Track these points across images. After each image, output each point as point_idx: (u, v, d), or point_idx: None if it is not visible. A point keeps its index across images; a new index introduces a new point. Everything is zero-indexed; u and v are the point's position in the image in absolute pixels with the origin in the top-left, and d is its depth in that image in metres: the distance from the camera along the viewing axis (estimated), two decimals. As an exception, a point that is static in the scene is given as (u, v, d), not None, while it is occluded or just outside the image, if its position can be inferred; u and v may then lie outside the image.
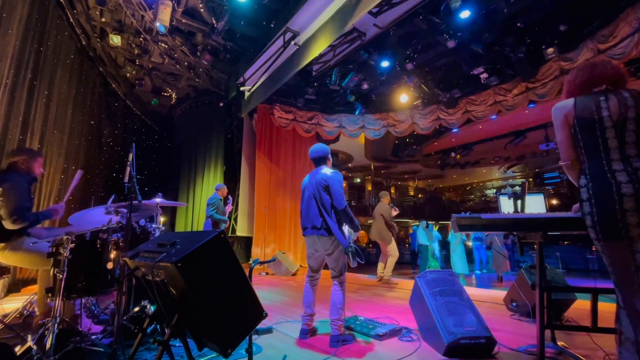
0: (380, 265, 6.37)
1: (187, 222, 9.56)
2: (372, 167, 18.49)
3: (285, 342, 2.64)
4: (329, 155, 2.91)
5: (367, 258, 6.38)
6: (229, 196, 5.56)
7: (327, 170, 2.77)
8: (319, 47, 5.86)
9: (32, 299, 3.05)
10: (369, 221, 6.54)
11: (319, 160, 2.88)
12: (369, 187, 22.63)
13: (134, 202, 2.42)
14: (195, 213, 9.42)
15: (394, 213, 6.30)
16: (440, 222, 13.22)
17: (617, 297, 1.59)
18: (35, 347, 1.90)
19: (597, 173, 1.62)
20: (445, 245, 9.86)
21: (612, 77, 1.76)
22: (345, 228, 2.66)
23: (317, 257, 2.81)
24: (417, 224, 8.11)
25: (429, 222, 9.64)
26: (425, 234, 7.69)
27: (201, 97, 9.83)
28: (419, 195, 24.80)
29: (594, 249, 11.90)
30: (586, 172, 1.67)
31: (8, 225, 2.40)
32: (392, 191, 23.77)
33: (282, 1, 6.38)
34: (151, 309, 2.34)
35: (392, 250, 6.17)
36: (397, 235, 6.26)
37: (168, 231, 3.84)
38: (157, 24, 5.87)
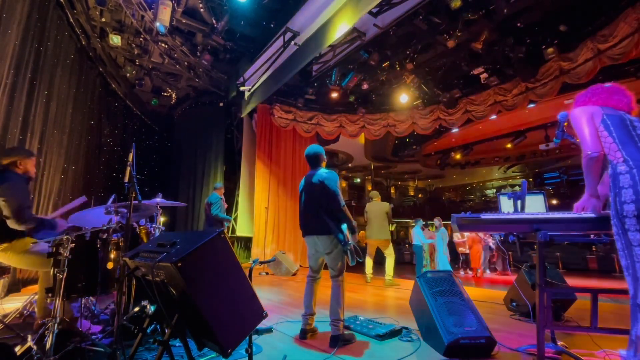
0: (368, 261, 6.25)
1: (187, 222, 9.56)
2: (372, 167, 18.48)
3: (285, 342, 2.64)
4: (324, 156, 2.94)
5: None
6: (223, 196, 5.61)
7: (322, 171, 2.81)
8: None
9: (32, 299, 3.05)
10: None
11: (314, 161, 2.92)
12: (369, 187, 22.61)
13: (134, 202, 2.41)
14: (195, 213, 9.42)
15: None
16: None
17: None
18: (35, 347, 1.90)
19: None
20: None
21: (626, 111, 1.88)
22: (344, 227, 2.67)
23: (318, 257, 2.83)
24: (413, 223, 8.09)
25: (428, 222, 9.61)
26: (422, 234, 7.69)
27: (201, 97, 9.83)
28: (419, 195, 24.79)
29: (594, 249, 11.89)
30: (626, 158, 1.66)
31: (12, 224, 2.39)
32: (392, 191, 23.76)
33: (282, 1, 6.37)
34: (151, 309, 2.34)
35: (390, 250, 6.13)
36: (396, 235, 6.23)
37: (168, 231, 3.84)
38: (157, 24, 5.87)
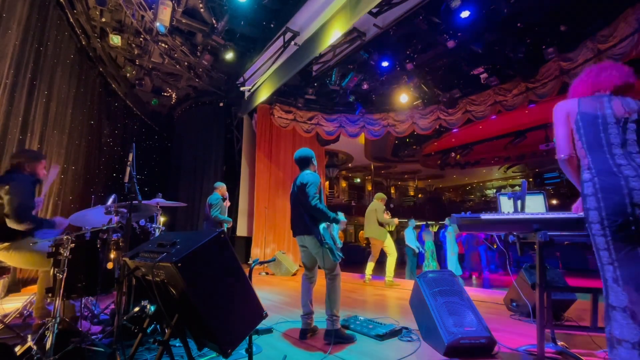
0: (369, 265, 6.29)
1: (187, 222, 9.56)
2: (372, 167, 18.50)
3: (285, 342, 2.64)
4: (313, 159, 2.97)
5: (365, 257, 6.39)
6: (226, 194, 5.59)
7: (305, 173, 2.85)
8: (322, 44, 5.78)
9: (32, 299, 3.05)
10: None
11: (302, 163, 2.95)
12: (369, 187, 22.62)
13: (134, 202, 2.41)
14: (195, 213, 9.42)
15: (386, 216, 6.24)
16: (440, 222, 13.18)
17: (612, 297, 1.54)
18: (35, 347, 1.90)
19: (602, 167, 1.62)
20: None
21: (617, 84, 1.79)
22: (321, 226, 2.69)
23: (307, 254, 2.87)
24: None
25: (428, 222, 9.59)
26: (413, 236, 7.65)
27: (201, 97, 9.83)
28: (419, 195, 24.80)
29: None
30: (590, 166, 1.66)
31: (11, 224, 2.39)
32: (392, 191, 23.77)
33: (282, 1, 6.37)
34: (151, 309, 2.34)
35: (390, 249, 6.10)
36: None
37: (168, 231, 3.84)
38: (157, 24, 5.86)
